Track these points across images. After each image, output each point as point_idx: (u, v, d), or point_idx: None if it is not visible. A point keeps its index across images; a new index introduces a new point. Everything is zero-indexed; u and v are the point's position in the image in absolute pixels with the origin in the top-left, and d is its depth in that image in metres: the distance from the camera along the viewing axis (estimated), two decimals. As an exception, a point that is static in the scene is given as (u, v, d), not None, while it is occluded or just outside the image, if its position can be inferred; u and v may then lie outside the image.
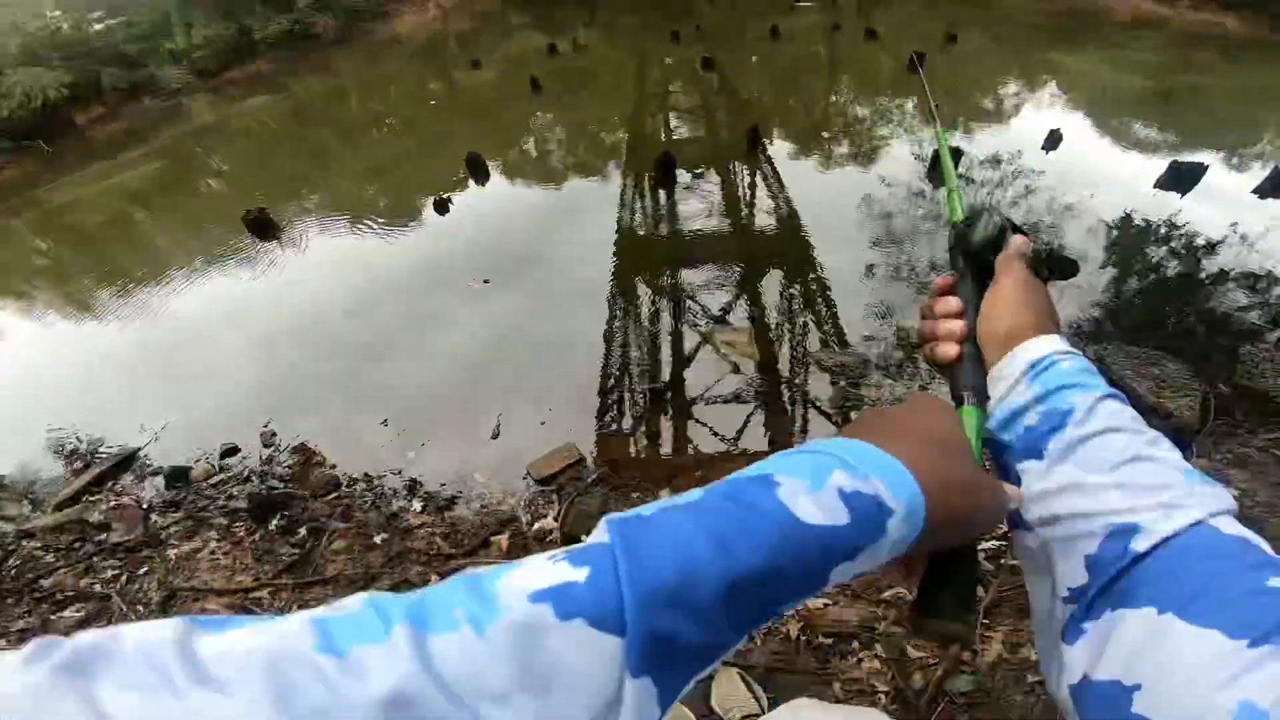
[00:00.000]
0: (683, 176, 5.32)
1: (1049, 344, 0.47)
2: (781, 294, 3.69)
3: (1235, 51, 10.50)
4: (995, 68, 9.57)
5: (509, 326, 3.67)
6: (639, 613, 0.25)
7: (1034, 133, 5.98)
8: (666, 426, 2.91)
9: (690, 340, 3.35)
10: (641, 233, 4.64)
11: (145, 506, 2.54)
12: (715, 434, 2.84)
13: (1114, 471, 0.39)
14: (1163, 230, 4.42)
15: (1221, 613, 0.30)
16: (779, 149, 6.04)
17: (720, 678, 1.76)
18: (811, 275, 3.79)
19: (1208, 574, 0.33)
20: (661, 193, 5.06)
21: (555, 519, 2.37)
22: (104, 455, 3.06)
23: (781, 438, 2.79)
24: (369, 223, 5.85)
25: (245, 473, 2.75)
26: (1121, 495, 0.38)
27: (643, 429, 2.90)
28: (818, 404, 2.91)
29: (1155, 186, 4.94)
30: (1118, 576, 0.36)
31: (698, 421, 2.91)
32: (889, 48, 9.76)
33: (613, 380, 3.14)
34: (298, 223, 6.05)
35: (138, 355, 4.30)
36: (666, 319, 3.54)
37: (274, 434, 2.98)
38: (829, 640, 1.82)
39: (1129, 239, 4.33)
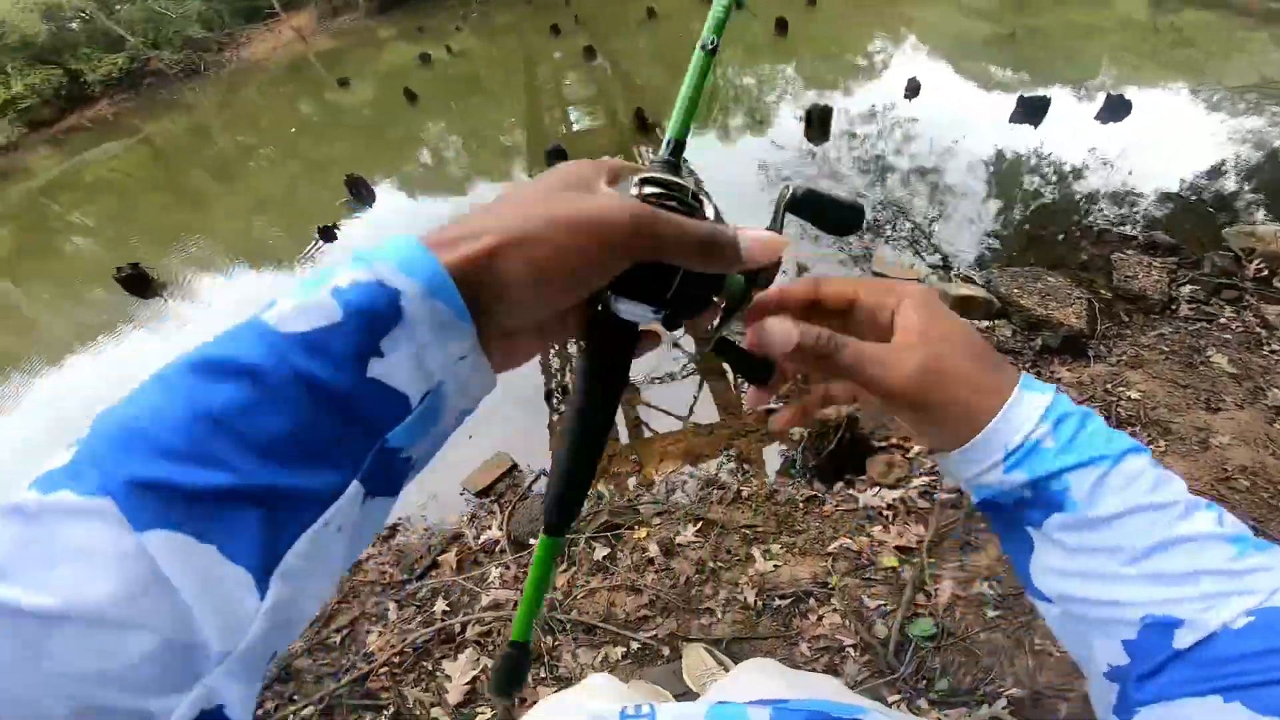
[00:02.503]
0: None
1: (1022, 416, 0.36)
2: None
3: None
4: (856, 25, 10.02)
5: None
6: (111, 462, 0.22)
7: (899, 84, 6.30)
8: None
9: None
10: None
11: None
12: (664, 412, 2.87)
13: (1143, 561, 0.34)
14: (1031, 160, 4.79)
15: None
16: (674, 127, 6.12)
17: (688, 653, 1.78)
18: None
19: (1276, 665, 0.30)
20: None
21: (499, 528, 2.38)
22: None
23: (728, 404, 2.86)
24: (260, 261, 5.49)
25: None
26: (1156, 587, 0.33)
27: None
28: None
29: (1010, 121, 5.33)
30: (1163, 666, 0.33)
31: (647, 405, 2.92)
32: (759, 14, 10.02)
33: (541, 382, 3.11)
34: (182, 272, 5.61)
35: (41, 441, 3.95)
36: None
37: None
38: (786, 601, 1.87)
39: (1004, 172, 4.66)
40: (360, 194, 5.86)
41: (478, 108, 8.88)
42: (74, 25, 16.77)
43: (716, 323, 0.42)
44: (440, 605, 2.10)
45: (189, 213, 7.60)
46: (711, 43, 0.43)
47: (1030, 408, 0.36)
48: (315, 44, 16.95)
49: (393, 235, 0.28)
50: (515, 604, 2.07)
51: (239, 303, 4.90)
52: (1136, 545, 0.34)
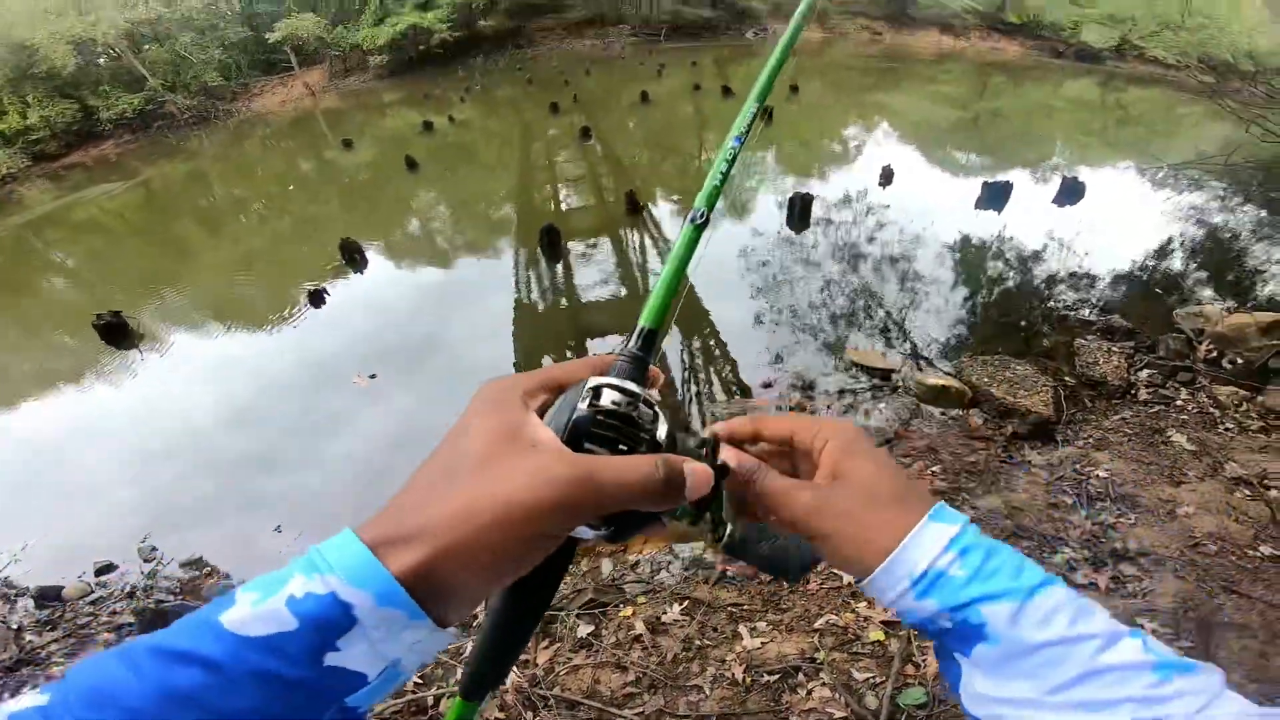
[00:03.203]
0: (576, 246, 5.44)
1: (925, 547, 0.38)
2: (683, 352, 3.84)
3: (1019, 75, 12.49)
4: (833, 113, 10.71)
5: (405, 420, 3.54)
6: (84, 714, 0.25)
7: (873, 170, 6.67)
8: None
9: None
10: (541, 308, 4.67)
11: (15, 627, 2.46)
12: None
13: (1067, 691, 0.35)
14: (995, 246, 5.08)
15: None
16: (661, 209, 6.35)
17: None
18: (707, 330, 3.99)
19: None
20: (557, 265, 5.13)
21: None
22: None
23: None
24: (242, 322, 5.47)
25: (127, 588, 2.67)
26: (1079, 715, 0.35)
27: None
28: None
29: (976, 207, 5.62)
30: None
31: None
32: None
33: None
34: (160, 324, 5.56)
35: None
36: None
37: (154, 549, 2.88)
38: (775, 676, 1.87)
39: (970, 259, 4.93)
40: (354, 259, 5.96)
41: (475, 178, 9.15)
42: (101, 61, 16.97)
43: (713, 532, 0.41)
44: (413, 677, 2.05)
45: (175, 261, 7.61)
46: (702, 215, 0.41)
47: (933, 538, 0.38)
48: (323, 101, 17.49)
49: (338, 537, 0.30)
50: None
51: (213, 363, 4.81)
52: (1060, 677, 0.35)
